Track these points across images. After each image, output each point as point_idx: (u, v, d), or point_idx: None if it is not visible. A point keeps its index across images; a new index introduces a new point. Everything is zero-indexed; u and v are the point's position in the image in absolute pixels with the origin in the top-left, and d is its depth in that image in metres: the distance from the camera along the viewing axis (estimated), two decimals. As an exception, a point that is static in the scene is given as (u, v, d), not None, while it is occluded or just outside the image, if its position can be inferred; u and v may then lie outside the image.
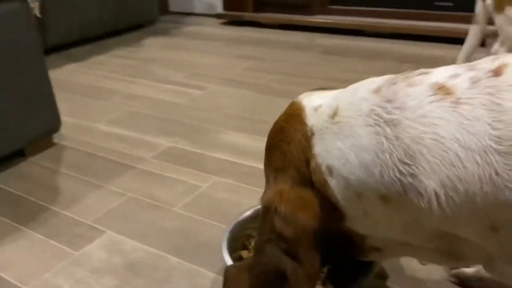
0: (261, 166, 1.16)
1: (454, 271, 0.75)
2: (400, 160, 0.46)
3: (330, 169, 0.52)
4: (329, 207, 0.54)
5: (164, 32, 2.75)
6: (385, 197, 0.48)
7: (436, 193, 0.45)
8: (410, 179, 0.46)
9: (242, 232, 0.82)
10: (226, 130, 1.39)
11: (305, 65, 2.01)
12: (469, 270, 0.73)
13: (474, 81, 0.45)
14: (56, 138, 1.34)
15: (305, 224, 0.54)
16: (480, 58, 0.51)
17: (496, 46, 1.49)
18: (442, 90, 0.46)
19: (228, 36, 2.60)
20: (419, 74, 0.49)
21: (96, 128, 1.44)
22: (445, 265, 0.57)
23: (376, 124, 0.48)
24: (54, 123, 1.30)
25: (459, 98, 0.45)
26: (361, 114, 0.50)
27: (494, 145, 0.42)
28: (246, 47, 2.36)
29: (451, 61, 0.53)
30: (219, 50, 2.35)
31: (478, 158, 0.43)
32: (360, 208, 0.52)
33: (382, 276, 0.77)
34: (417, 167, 0.45)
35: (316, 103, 0.57)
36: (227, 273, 0.66)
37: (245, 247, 0.80)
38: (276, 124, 0.62)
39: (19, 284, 0.80)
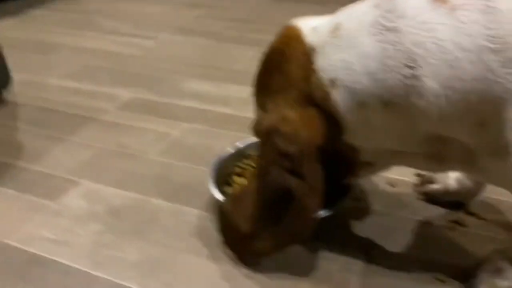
0: (227, 111, 1.19)
1: (422, 188, 0.83)
2: (404, 64, 0.50)
3: (333, 82, 0.55)
4: (330, 122, 0.57)
5: (102, -17, 2.60)
6: (387, 102, 0.53)
7: (435, 93, 0.50)
8: (413, 81, 0.50)
9: (224, 170, 0.84)
10: (187, 78, 1.38)
11: (256, 11, 1.99)
12: (436, 186, 0.81)
13: None
14: (5, 95, 1.27)
15: (309, 140, 0.57)
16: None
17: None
18: None
19: (172, -15, 2.51)
20: None
21: (48, 83, 1.37)
22: (430, 169, 0.63)
23: (379, 32, 0.52)
24: (3, 77, 1.22)
25: (455, 5, 0.49)
26: (364, 25, 0.54)
27: (488, 44, 0.47)
28: (193, -5, 2.29)
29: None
30: (164, -1, 2.27)
31: (474, 58, 0.47)
32: (361, 118, 0.55)
33: (357, 199, 0.83)
34: (418, 69, 0.50)
35: (312, 24, 0.60)
36: (224, 205, 0.69)
37: (228, 184, 0.83)
38: (272, 48, 0.63)
39: (1, 239, 0.78)
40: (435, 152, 0.57)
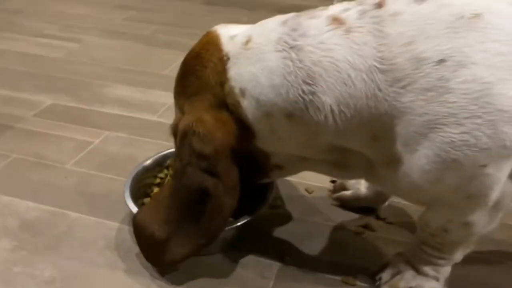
0: (153, 118, 1.18)
1: (336, 195, 0.87)
2: (303, 81, 0.54)
3: (242, 91, 0.58)
4: (242, 127, 0.60)
5: (26, -20, 2.48)
6: (290, 115, 0.56)
7: (331, 108, 0.54)
8: (311, 97, 0.54)
9: (143, 181, 0.83)
10: (112, 83, 1.35)
11: (188, 16, 1.98)
12: (348, 193, 0.85)
13: (362, 13, 0.53)
14: None
15: (223, 141, 0.60)
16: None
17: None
18: (336, 21, 0.54)
19: (102, -15, 2.44)
20: (319, 10, 0.57)
21: (-40, 88, 1.29)
22: (335, 176, 0.67)
23: (283, 49, 0.55)
24: None
25: (350, 27, 0.53)
26: (271, 41, 0.57)
27: (377, 65, 0.51)
28: (122, -4, 2.24)
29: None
30: None
31: (365, 77, 0.51)
32: (268, 126, 0.59)
33: (276, 206, 0.86)
34: (316, 86, 0.53)
35: (232, 33, 0.62)
36: (137, 216, 0.68)
37: (147, 195, 0.82)
38: (192, 51, 0.65)
39: None
40: (339, 161, 0.61)
